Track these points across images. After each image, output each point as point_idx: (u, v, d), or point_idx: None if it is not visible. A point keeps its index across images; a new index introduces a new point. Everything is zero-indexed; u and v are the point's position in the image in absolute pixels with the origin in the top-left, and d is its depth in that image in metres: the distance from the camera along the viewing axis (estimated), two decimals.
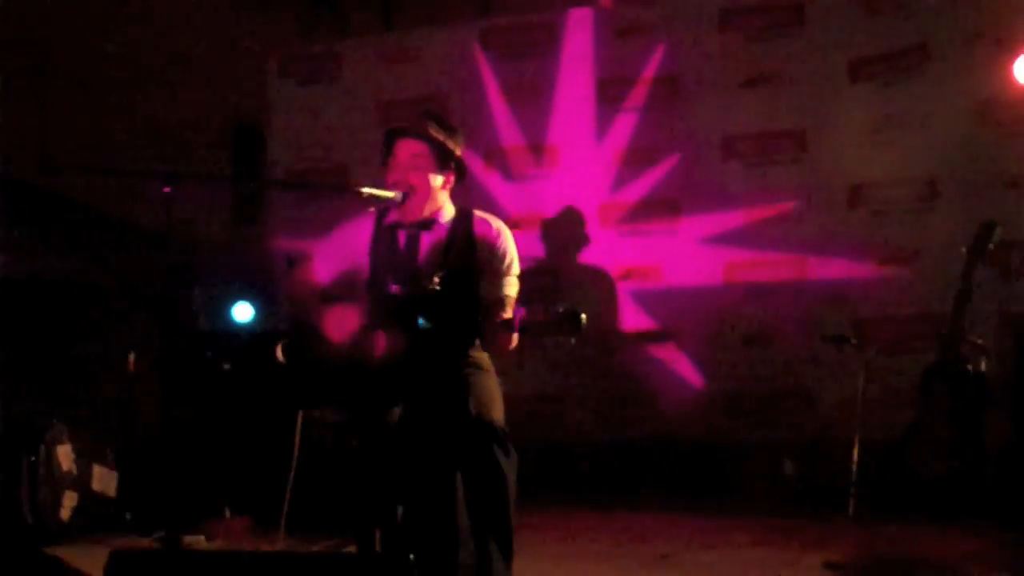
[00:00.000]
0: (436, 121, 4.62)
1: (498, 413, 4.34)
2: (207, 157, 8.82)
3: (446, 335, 4.31)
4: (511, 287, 4.52)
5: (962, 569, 5.19)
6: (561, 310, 3.96)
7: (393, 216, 4.62)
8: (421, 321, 4.23)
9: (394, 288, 4.49)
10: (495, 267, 4.51)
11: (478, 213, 4.65)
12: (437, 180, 4.56)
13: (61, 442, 6.12)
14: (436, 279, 4.36)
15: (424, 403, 4.33)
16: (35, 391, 6.50)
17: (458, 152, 4.62)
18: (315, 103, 8.81)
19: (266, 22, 9.02)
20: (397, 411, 4.34)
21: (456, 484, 4.29)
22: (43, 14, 8.97)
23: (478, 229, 4.58)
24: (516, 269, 4.57)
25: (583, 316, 3.92)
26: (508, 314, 4.28)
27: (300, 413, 4.97)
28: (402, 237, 4.59)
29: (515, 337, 4.20)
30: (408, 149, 4.54)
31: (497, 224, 4.60)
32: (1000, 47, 6.89)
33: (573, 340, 4.00)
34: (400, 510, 4.44)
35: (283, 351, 4.54)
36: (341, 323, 4.39)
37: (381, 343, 4.33)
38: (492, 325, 4.15)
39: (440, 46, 8.57)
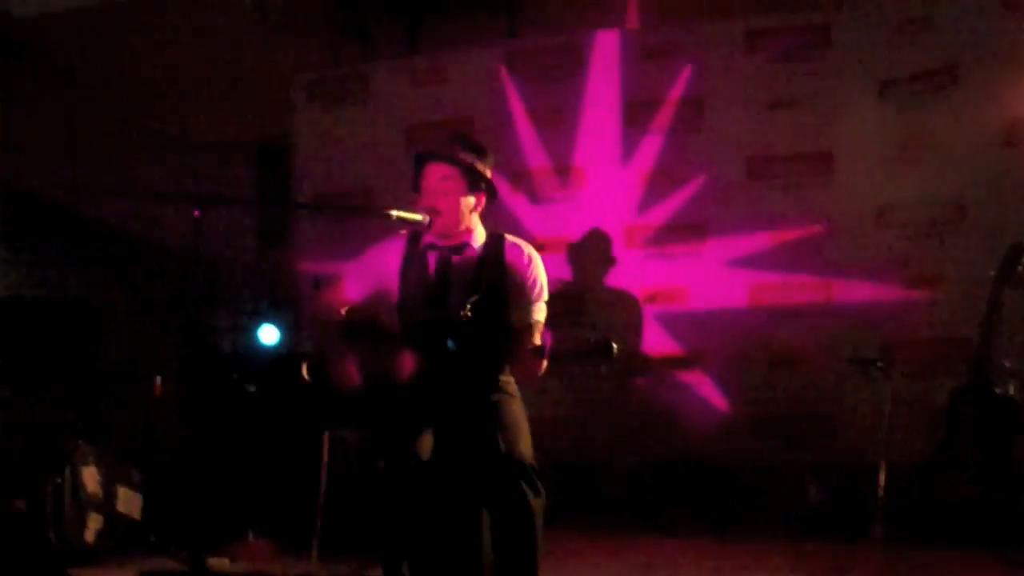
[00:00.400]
0: (465, 143, 4.62)
1: (527, 447, 4.33)
2: (234, 180, 8.85)
3: (475, 359, 4.31)
4: (540, 312, 4.52)
5: None
6: (592, 340, 3.96)
7: (425, 239, 4.61)
8: (450, 343, 4.23)
9: (424, 313, 4.48)
10: (525, 293, 4.50)
11: (509, 238, 4.64)
12: (468, 203, 4.56)
13: (86, 464, 6.14)
14: (468, 306, 4.36)
15: (452, 433, 4.32)
16: (61, 412, 6.53)
17: (488, 173, 4.61)
18: (342, 126, 8.83)
19: (293, 45, 9.05)
20: (427, 437, 4.33)
21: (482, 521, 4.29)
22: (70, 37, 9.06)
23: (509, 254, 4.57)
24: (545, 295, 4.56)
25: (615, 346, 3.91)
26: (538, 340, 4.27)
27: (327, 434, 4.98)
28: (433, 261, 4.58)
29: (544, 364, 4.19)
30: (438, 173, 4.54)
31: (528, 249, 4.60)
32: None
33: (604, 368, 4.00)
34: (427, 537, 4.43)
35: (308, 371, 4.55)
36: (407, 366, 4.39)
37: (409, 365, 4.34)
38: (523, 351, 4.13)
39: (466, 68, 8.58)
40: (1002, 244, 6.44)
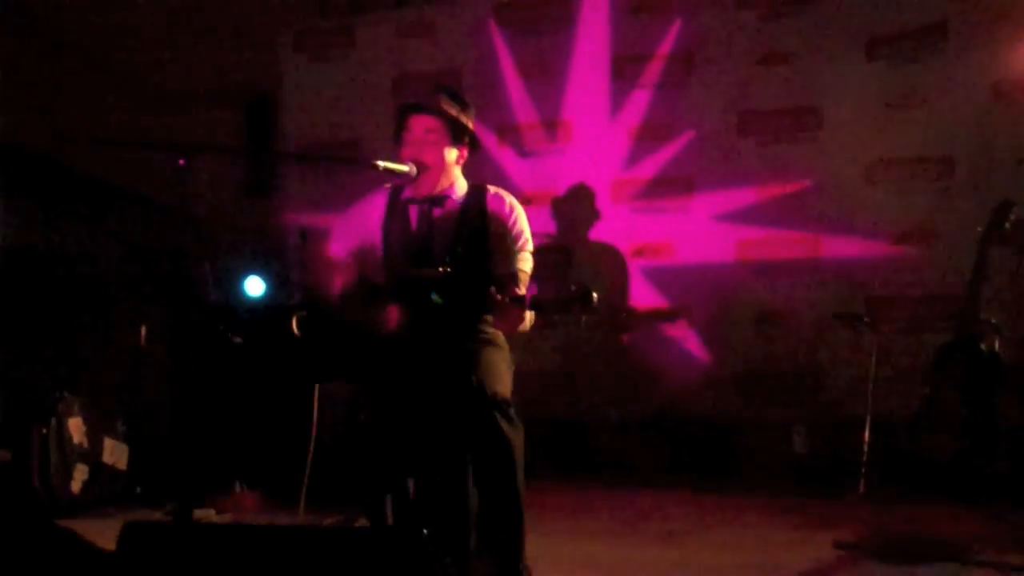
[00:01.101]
0: (449, 95, 4.61)
1: (501, 385, 4.32)
2: (220, 130, 8.80)
3: (458, 310, 4.30)
4: (524, 262, 4.51)
5: (972, 548, 5.17)
6: (573, 288, 3.95)
7: (407, 192, 4.61)
8: (434, 295, 4.22)
9: (406, 266, 4.48)
10: (508, 242, 4.50)
11: (491, 188, 4.63)
12: (451, 155, 4.56)
13: (72, 415, 6.14)
14: (447, 260, 4.36)
15: (433, 380, 4.32)
16: (46, 363, 6.51)
17: (471, 126, 4.61)
18: (329, 77, 8.78)
19: None
20: (411, 386, 4.33)
21: (465, 458, 4.30)
22: None
23: (491, 204, 4.57)
24: (530, 245, 4.56)
25: (595, 295, 3.91)
26: (522, 290, 4.26)
27: (317, 386, 4.98)
28: (415, 213, 4.59)
29: (528, 315, 4.17)
30: (422, 125, 4.54)
31: (510, 199, 4.60)
32: (1018, 26, 6.87)
33: (584, 318, 3.99)
34: (412, 484, 4.45)
35: (298, 324, 4.54)
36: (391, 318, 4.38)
37: (394, 317, 4.34)
38: (503, 301, 4.12)
39: (454, 21, 8.53)
40: (990, 201, 6.45)
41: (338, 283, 4.65)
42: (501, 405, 4.20)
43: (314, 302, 4.64)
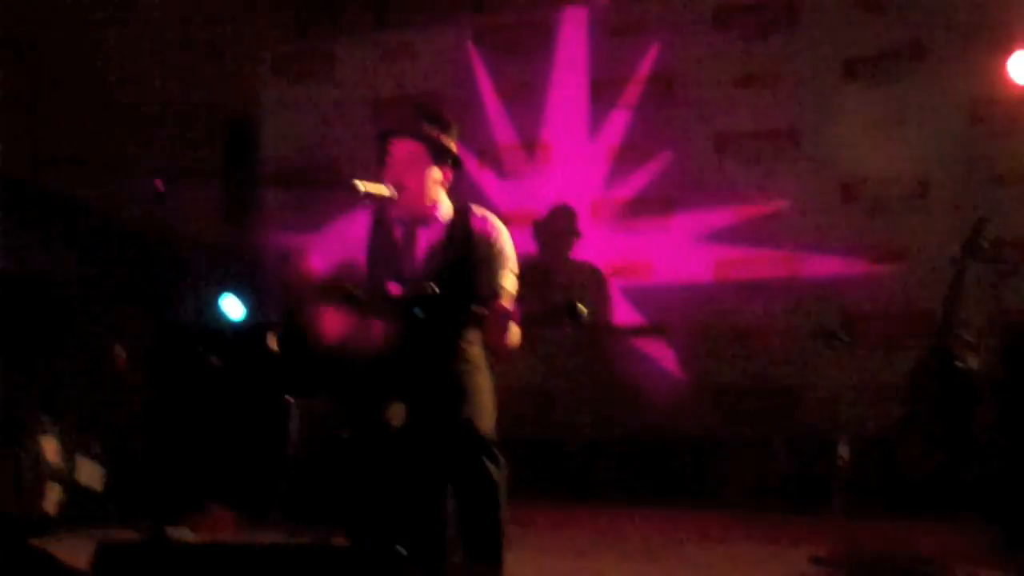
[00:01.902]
0: (430, 116, 4.60)
1: (489, 422, 4.32)
2: (199, 154, 8.81)
3: (441, 329, 4.30)
4: (508, 280, 4.50)
5: (949, 564, 5.17)
6: (559, 301, 3.95)
7: (391, 213, 4.61)
8: (418, 311, 4.22)
9: (392, 286, 4.48)
10: (492, 262, 4.49)
11: (475, 209, 4.63)
12: (435, 176, 4.55)
13: (46, 434, 6.11)
14: (434, 283, 4.36)
15: (417, 403, 4.32)
16: (21, 384, 6.48)
17: (453, 146, 4.60)
18: (308, 100, 8.82)
19: (260, 19, 9.01)
20: (395, 408, 4.33)
21: (446, 495, 4.30)
22: (32, 12, 8.97)
23: (475, 225, 4.56)
24: (514, 266, 4.55)
25: (581, 307, 3.91)
26: (507, 305, 4.27)
27: (294, 401, 4.97)
28: (400, 234, 4.58)
29: (515, 331, 4.17)
30: (404, 148, 4.51)
31: (494, 220, 4.59)
32: (993, 46, 6.89)
33: (570, 330, 3.99)
34: (391, 503, 4.44)
35: (276, 341, 4.53)
36: (332, 325, 4.39)
37: (379, 335, 4.33)
38: (490, 318, 4.11)
39: (434, 44, 8.57)
40: (966, 219, 6.49)
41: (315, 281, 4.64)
42: (488, 446, 4.21)
43: (293, 319, 4.62)
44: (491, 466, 4.19)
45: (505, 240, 4.55)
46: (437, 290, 4.30)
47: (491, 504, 4.22)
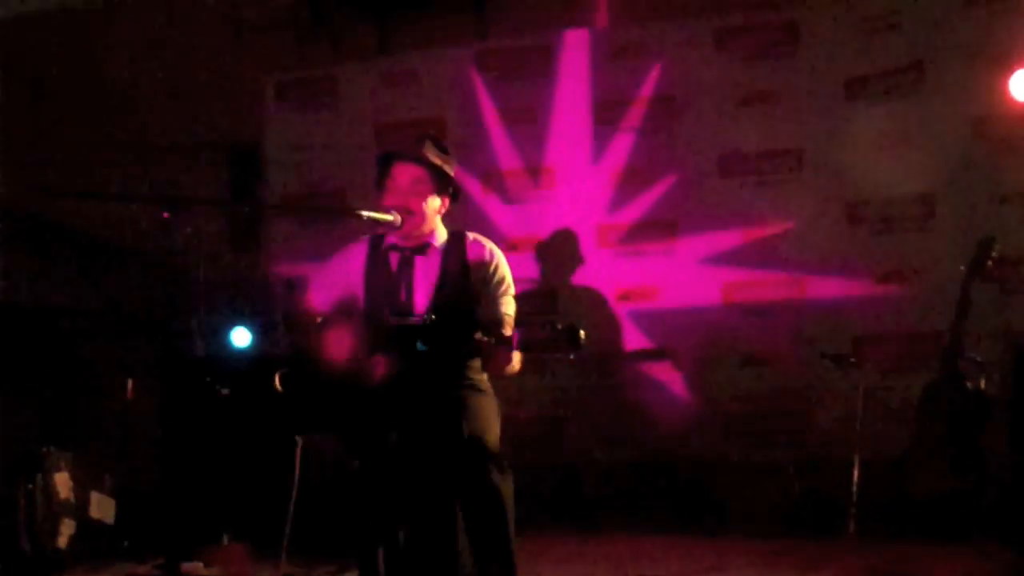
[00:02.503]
0: (433, 144, 4.60)
1: (492, 434, 4.33)
2: (204, 181, 8.81)
3: (443, 358, 4.30)
4: (508, 306, 4.50)
5: None
6: (560, 326, 3.94)
7: (388, 240, 4.61)
8: (420, 345, 4.22)
9: (390, 316, 4.47)
10: (491, 288, 4.50)
11: (471, 235, 4.64)
12: (434, 204, 4.56)
13: (59, 469, 6.11)
14: (430, 308, 4.36)
15: (420, 425, 4.32)
16: (33, 418, 6.49)
17: (453, 175, 4.61)
18: (312, 127, 8.81)
19: (263, 46, 9.02)
20: (399, 436, 4.33)
21: (455, 509, 4.29)
22: (37, 40, 8.99)
23: (471, 251, 4.57)
24: (512, 289, 4.55)
25: (582, 332, 3.90)
26: (508, 331, 4.26)
27: (300, 440, 4.96)
28: (396, 262, 4.58)
29: (516, 357, 4.16)
30: (407, 174, 4.52)
31: (490, 245, 4.60)
32: (995, 64, 6.88)
33: (572, 356, 3.97)
34: (402, 534, 4.43)
35: (281, 381, 4.52)
36: (339, 345, 4.39)
37: (381, 367, 4.33)
38: (489, 343, 4.11)
39: (437, 69, 8.57)
40: (972, 238, 6.50)
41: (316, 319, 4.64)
42: (493, 457, 4.20)
43: (298, 356, 4.62)
44: (498, 476, 4.18)
45: (502, 264, 4.56)
46: (433, 317, 4.31)
47: (499, 515, 4.19)
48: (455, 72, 8.50)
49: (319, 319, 4.64)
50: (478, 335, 4.07)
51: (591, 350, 4.07)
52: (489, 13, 8.65)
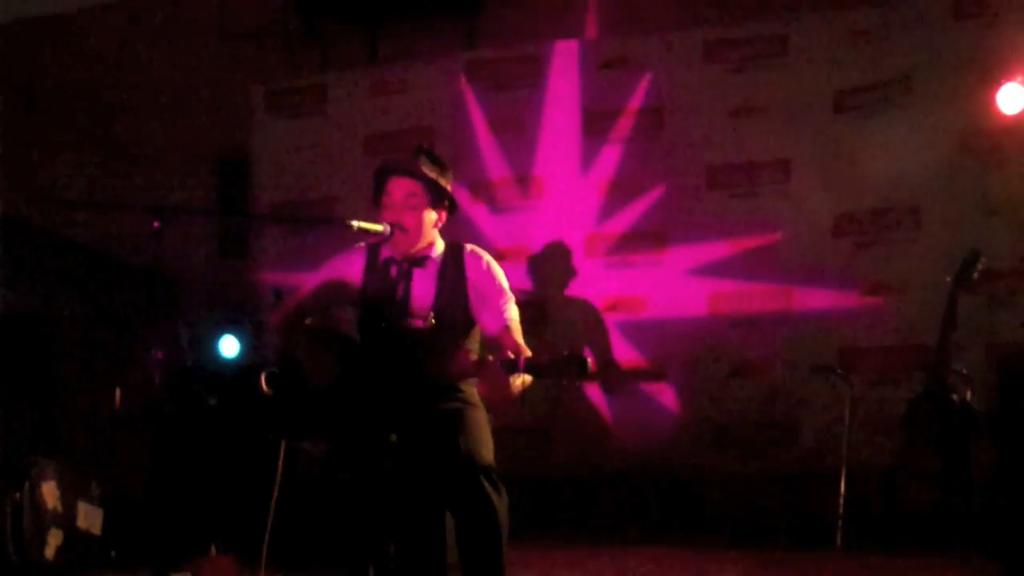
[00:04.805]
0: (429, 157, 4.60)
1: (488, 452, 4.32)
2: (193, 191, 8.82)
3: (439, 368, 4.30)
4: (512, 311, 4.49)
5: None
6: (567, 353, 3.93)
7: (385, 252, 4.61)
8: (418, 357, 4.23)
9: (387, 326, 4.48)
10: (492, 296, 4.49)
11: (468, 247, 4.64)
12: (431, 218, 4.56)
13: (46, 479, 6.10)
14: (430, 318, 4.37)
15: (414, 439, 4.32)
16: (20, 427, 6.47)
17: (449, 188, 4.62)
18: (301, 136, 8.80)
19: (252, 55, 9.04)
20: (390, 446, 4.32)
21: (444, 522, 4.29)
22: (27, 50, 9.00)
23: (469, 263, 4.57)
24: (511, 295, 4.55)
25: (589, 360, 3.90)
26: (519, 337, 4.26)
27: (283, 443, 4.96)
28: (395, 272, 4.58)
29: (519, 380, 4.13)
30: (403, 188, 4.51)
31: (486, 256, 4.61)
32: (983, 77, 6.93)
33: (579, 384, 3.98)
34: (392, 545, 4.42)
35: (267, 382, 4.52)
36: (322, 369, 4.39)
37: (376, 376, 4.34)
38: (493, 363, 4.09)
39: (426, 79, 8.58)
40: (959, 251, 6.50)
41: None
42: (489, 474, 4.20)
43: (287, 360, 4.61)
44: (492, 490, 4.17)
45: (499, 274, 4.56)
46: (433, 321, 4.32)
47: (492, 531, 4.17)
48: (444, 82, 8.51)
49: (307, 322, 4.65)
50: (467, 352, 4.07)
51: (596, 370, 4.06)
52: (479, 23, 8.69)
